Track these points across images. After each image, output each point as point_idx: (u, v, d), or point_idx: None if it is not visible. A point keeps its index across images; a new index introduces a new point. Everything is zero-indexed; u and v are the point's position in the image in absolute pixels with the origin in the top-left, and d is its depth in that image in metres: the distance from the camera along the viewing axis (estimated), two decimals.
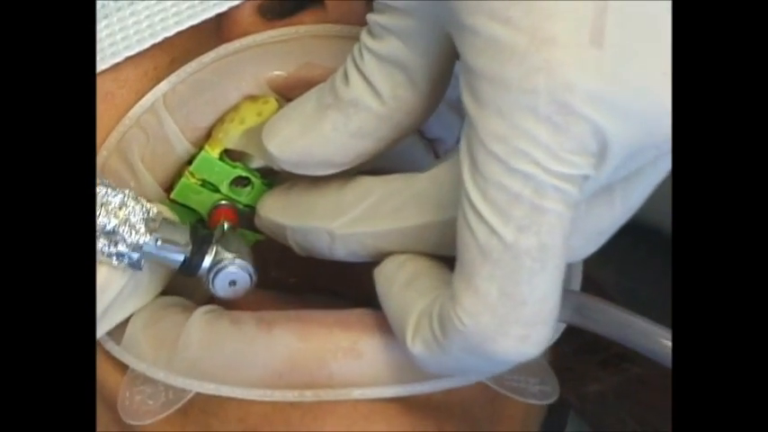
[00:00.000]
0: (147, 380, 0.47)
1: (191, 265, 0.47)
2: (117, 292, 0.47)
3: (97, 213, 0.45)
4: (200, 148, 0.49)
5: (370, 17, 0.44)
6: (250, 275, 0.47)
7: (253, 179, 0.50)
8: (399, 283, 0.45)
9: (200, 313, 0.48)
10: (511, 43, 0.38)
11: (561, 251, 0.40)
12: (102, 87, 0.49)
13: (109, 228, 0.45)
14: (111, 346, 0.48)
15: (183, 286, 0.51)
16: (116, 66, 0.48)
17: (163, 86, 0.49)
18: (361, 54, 0.44)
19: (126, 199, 0.46)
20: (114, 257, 0.46)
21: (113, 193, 0.46)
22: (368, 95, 0.44)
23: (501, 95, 0.39)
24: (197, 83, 0.49)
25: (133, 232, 0.46)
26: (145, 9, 0.48)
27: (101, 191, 0.46)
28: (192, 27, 0.48)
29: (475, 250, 0.40)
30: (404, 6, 0.43)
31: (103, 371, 0.49)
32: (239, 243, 0.48)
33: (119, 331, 0.48)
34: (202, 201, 0.50)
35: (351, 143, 0.45)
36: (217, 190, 0.49)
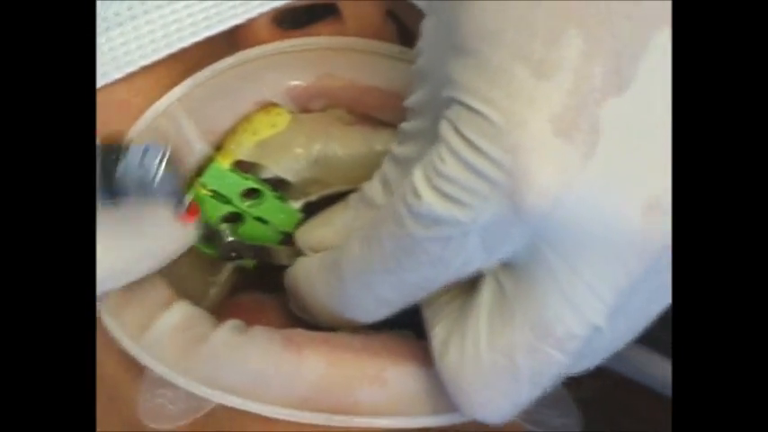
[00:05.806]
0: (168, 384, 0.46)
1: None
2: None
3: None
4: (211, 160, 0.48)
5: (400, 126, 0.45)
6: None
7: (264, 191, 0.49)
8: None
9: (227, 327, 0.47)
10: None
11: None
12: (117, 96, 0.48)
13: None
14: (128, 344, 0.47)
15: (193, 290, 0.50)
16: (130, 75, 0.48)
17: (177, 91, 0.48)
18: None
19: None
20: None
21: None
22: (381, 195, 0.45)
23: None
24: (215, 87, 0.48)
25: None
26: (160, 18, 0.48)
27: None
28: (207, 37, 0.48)
29: None
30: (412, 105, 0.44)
31: (112, 368, 0.48)
32: None
33: (134, 330, 0.47)
34: (212, 212, 0.49)
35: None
36: (228, 201, 0.49)
